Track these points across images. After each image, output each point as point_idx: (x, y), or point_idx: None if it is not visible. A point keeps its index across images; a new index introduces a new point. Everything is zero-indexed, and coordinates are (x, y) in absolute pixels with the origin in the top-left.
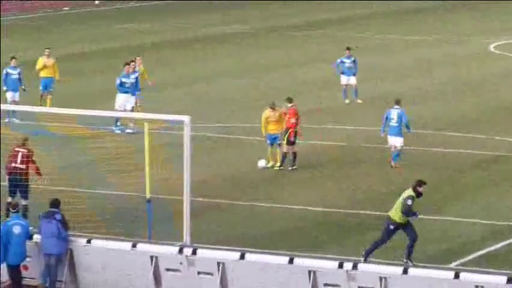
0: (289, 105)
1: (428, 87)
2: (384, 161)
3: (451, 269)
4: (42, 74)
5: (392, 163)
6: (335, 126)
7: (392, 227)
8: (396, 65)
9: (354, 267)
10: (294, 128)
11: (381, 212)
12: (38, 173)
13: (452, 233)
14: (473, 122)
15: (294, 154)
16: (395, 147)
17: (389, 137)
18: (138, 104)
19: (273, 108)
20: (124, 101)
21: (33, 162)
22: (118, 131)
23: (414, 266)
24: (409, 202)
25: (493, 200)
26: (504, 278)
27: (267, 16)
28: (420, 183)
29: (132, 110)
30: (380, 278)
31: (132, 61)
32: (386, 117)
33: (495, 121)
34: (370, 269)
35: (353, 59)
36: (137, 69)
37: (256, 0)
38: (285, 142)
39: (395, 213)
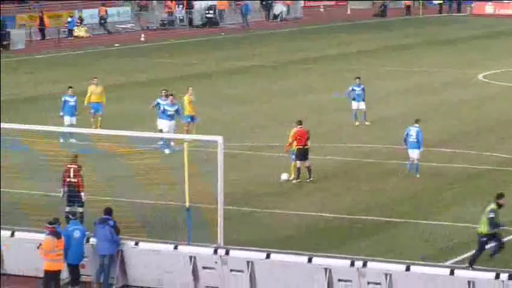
0: (299, 127)
1: (423, 109)
2: (390, 173)
3: (446, 266)
4: (92, 99)
5: (415, 173)
6: (346, 144)
7: (483, 239)
8: (393, 91)
9: (364, 265)
10: (300, 146)
11: (387, 217)
12: (81, 186)
13: (448, 235)
14: (465, 138)
15: (309, 168)
16: (414, 159)
17: (409, 150)
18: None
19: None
20: (165, 126)
21: (80, 176)
22: (167, 151)
23: (415, 263)
24: (491, 215)
25: (481, 207)
26: (493, 274)
27: (281, 51)
28: (500, 196)
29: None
30: (386, 275)
31: (171, 95)
32: (406, 134)
33: (484, 139)
34: (377, 266)
35: (362, 86)
36: (192, 98)
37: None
38: (294, 159)
39: (483, 227)
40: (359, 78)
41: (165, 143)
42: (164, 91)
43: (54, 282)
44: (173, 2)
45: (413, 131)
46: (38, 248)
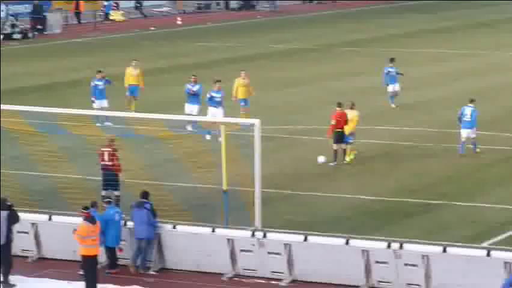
0: (338, 109)
1: (464, 93)
2: (430, 156)
3: (483, 247)
4: (130, 81)
5: (476, 150)
6: (387, 127)
7: None
8: (428, 75)
9: (401, 247)
10: (338, 129)
11: (423, 199)
12: (118, 169)
13: (483, 217)
14: (503, 121)
15: (344, 151)
16: (469, 138)
17: (462, 130)
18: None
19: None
20: (214, 113)
21: (117, 159)
22: (208, 136)
23: (452, 245)
24: None
25: None
26: None
27: (320, 34)
28: None
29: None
30: (423, 256)
31: (218, 81)
32: (461, 113)
33: None
34: (414, 248)
35: (395, 69)
36: (245, 81)
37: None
38: (333, 142)
39: None
40: (393, 59)
41: (201, 129)
42: (193, 76)
43: (92, 266)
44: None
45: (467, 110)
46: (73, 232)
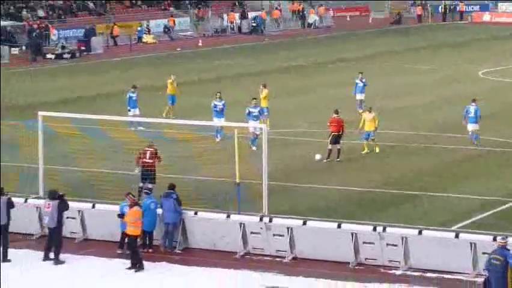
0: (335, 115)
1: (430, 100)
2: (406, 154)
3: (452, 230)
4: (169, 92)
5: (474, 142)
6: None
7: None
8: (414, 84)
9: (384, 230)
10: (335, 132)
11: (404, 191)
12: (155, 166)
13: (454, 206)
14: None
15: (339, 150)
16: (473, 131)
17: (468, 125)
18: (266, 120)
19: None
20: (254, 126)
21: (159, 157)
22: (218, 138)
23: (426, 228)
24: None
25: (481, 183)
26: (491, 237)
27: (318, 53)
28: None
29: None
30: (402, 238)
31: (254, 98)
32: (466, 111)
33: (487, 125)
34: (395, 231)
35: (363, 81)
36: (263, 93)
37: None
38: (329, 142)
39: None
40: (361, 73)
41: (220, 132)
42: (218, 93)
43: (134, 245)
44: (233, 14)
45: (471, 108)
46: (119, 216)
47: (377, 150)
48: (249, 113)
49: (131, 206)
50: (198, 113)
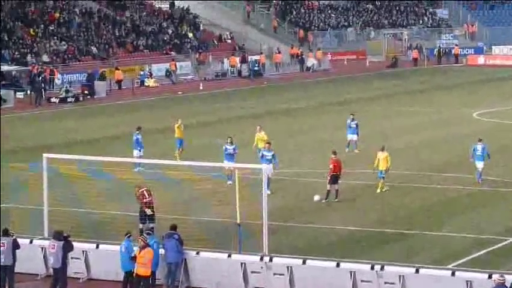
0: (333, 156)
1: (426, 141)
2: (401, 194)
3: (448, 268)
4: (177, 136)
5: (479, 180)
6: (364, 171)
7: None
8: (410, 126)
9: (382, 268)
10: (334, 173)
11: (403, 230)
12: (152, 204)
13: (449, 243)
14: (465, 164)
15: (337, 191)
16: (480, 168)
17: (476, 162)
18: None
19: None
20: (265, 168)
21: (151, 196)
22: (229, 182)
23: (423, 266)
24: None
25: (476, 220)
26: (486, 275)
27: (317, 95)
28: None
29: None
30: (399, 276)
31: (268, 143)
32: (474, 149)
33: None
34: (392, 269)
35: (355, 122)
36: (259, 134)
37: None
38: (328, 183)
39: None
40: (353, 114)
41: (231, 177)
42: (229, 138)
43: (148, 285)
44: (234, 58)
45: (479, 146)
46: (131, 258)
47: (384, 189)
48: (262, 156)
49: (142, 247)
50: (199, 154)
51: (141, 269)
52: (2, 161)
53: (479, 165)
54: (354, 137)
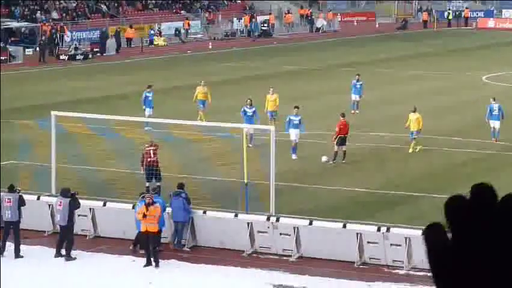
0: (341, 118)
1: (434, 105)
2: (407, 157)
3: None
4: (199, 97)
5: (493, 139)
6: (370, 133)
7: None
8: (418, 90)
9: (388, 230)
10: (342, 135)
11: (409, 192)
12: (158, 163)
13: None
14: (472, 129)
15: (344, 152)
16: (495, 128)
17: (491, 121)
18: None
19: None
20: (293, 134)
21: (156, 155)
22: (250, 144)
23: None
24: None
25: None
26: None
27: (325, 57)
28: None
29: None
30: (405, 238)
31: (297, 107)
32: (490, 109)
33: (487, 129)
34: (398, 231)
35: (361, 82)
36: (272, 96)
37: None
38: (335, 144)
39: None
40: (358, 74)
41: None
42: (248, 100)
43: (157, 241)
44: (247, 17)
45: (495, 106)
46: (140, 214)
47: (417, 149)
48: (290, 121)
49: (150, 204)
50: (207, 115)
51: (150, 226)
52: (10, 118)
53: (496, 124)
54: (357, 98)
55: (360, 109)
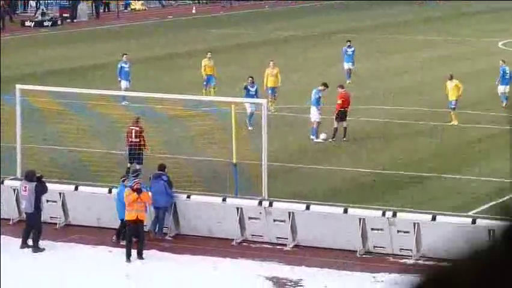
0: (341, 90)
1: (444, 75)
2: (415, 134)
3: (469, 216)
4: (206, 71)
5: (503, 104)
6: (375, 107)
7: None
8: (428, 58)
9: (394, 215)
10: (342, 108)
11: (415, 172)
12: (145, 145)
13: (468, 189)
14: (486, 102)
15: (345, 129)
16: (504, 93)
17: (500, 86)
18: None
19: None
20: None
21: (143, 137)
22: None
23: (441, 214)
24: None
25: (500, 164)
26: None
27: (322, 23)
28: None
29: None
30: (414, 224)
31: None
32: (503, 72)
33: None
34: (406, 216)
35: (352, 49)
36: (273, 71)
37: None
38: (335, 120)
39: None
40: (349, 41)
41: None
42: (250, 78)
43: (142, 230)
44: None
45: (507, 69)
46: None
47: (454, 122)
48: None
49: (139, 191)
50: (193, 87)
51: (141, 213)
52: None
53: (507, 89)
54: (350, 65)
55: (360, 79)
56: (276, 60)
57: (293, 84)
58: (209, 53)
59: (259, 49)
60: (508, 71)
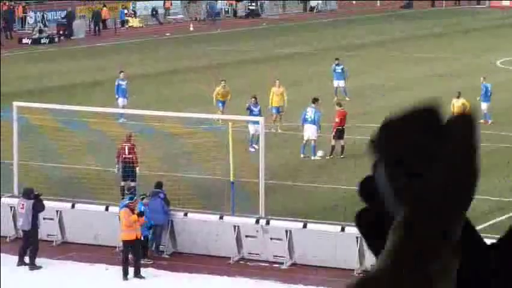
0: (338, 108)
1: (442, 92)
2: None
3: None
4: (218, 98)
5: (488, 122)
6: (371, 124)
7: None
8: (425, 75)
9: None
10: (339, 126)
11: None
12: (136, 162)
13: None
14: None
15: (343, 146)
16: (485, 110)
17: (482, 104)
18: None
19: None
20: (310, 132)
21: (135, 153)
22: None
23: None
24: None
25: (497, 181)
26: None
27: (321, 39)
28: None
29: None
30: None
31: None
32: (485, 90)
33: (506, 120)
34: None
35: (341, 66)
36: (279, 90)
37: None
38: (332, 137)
39: None
40: (337, 59)
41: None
42: (253, 99)
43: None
44: None
45: (489, 86)
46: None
47: None
48: (305, 117)
49: (140, 214)
50: (189, 104)
51: (139, 233)
52: None
53: (489, 106)
54: (341, 83)
55: (356, 96)
56: (275, 76)
57: (290, 100)
58: (223, 82)
59: (259, 64)
60: (490, 88)
